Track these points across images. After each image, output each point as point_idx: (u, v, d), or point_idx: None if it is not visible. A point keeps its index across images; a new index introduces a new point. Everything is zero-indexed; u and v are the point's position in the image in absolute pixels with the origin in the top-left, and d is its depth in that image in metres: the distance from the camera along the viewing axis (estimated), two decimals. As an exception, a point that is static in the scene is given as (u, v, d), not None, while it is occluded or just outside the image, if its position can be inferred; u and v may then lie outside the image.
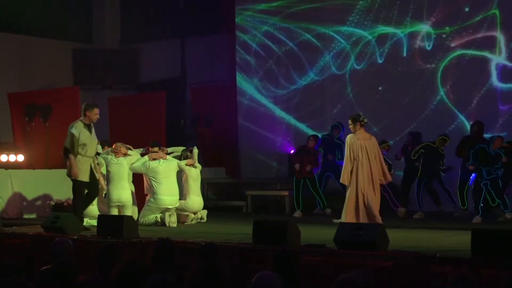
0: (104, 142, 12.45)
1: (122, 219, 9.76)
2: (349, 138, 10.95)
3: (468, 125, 13.87)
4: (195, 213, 12.17)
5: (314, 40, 16.39)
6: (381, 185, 12.05)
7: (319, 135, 14.27)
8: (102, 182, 11.68)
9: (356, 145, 10.82)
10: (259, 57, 17.20)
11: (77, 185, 10.75)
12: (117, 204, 11.56)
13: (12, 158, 15.07)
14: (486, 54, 14.23)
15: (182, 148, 12.85)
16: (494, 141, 11.94)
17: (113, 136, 13.62)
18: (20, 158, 15.19)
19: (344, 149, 11.06)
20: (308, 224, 10.80)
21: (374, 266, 7.09)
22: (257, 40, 17.22)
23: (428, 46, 14.87)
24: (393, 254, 7.62)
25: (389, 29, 15.33)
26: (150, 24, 20.09)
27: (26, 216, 13.33)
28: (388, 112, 15.11)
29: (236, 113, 17.32)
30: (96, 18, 20.93)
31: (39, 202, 13.58)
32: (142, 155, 12.09)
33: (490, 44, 14.19)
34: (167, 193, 11.71)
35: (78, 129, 10.66)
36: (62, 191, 13.20)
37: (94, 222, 10.56)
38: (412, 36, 15.05)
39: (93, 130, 10.88)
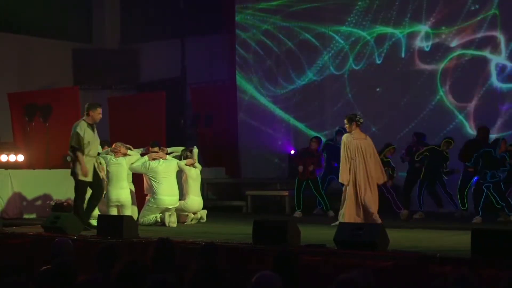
0: (104, 142, 12.42)
1: (122, 219, 9.75)
2: (345, 137, 10.96)
3: (467, 125, 13.87)
4: (194, 213, 12.17)
5: (313, 39, 16.40)
6: (384, 187, 12.06)
7: (322, 137, 14.26)
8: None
9: (352, 144, 10.83)
10: (259, 56, 17.21)
11: (80, 185, 10.75)
12: (116, 204, 11.56)
13: (12, 158, 15.07)
14: (486, 54, 14.24)
15: (182, 148, 12.84)
16: (500, 145, 11.93)
17: (113, 136, 13.61)
18: (20, 158, 15.19)
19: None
20: (308, 224, 10.80)
21: (374, 266, 7.09)
22: (256, 39, 17.23)
23: (426, 47, 14.88)
24: (393, 254, 7.61)
25: (388, 30, 15.35)
26: (150, 24, 20.10)
27: (26, 216, 13.31)
28: (387, 112, 15.12)
29: (236, 113, 17.33)
30: (96, 18, 20.95)
31: (39, 202, 13.56)
32: (142, 155, 12.08)
33: (490, 44, 14.20)
34: (167, 193, 11.71)
35: (83, 129, 10.66)
36: (62, 191, 13.22)
37: (94, 222, 10.56)
38: (410, 36, 15.06)
39: (95, 129, 10.89)
